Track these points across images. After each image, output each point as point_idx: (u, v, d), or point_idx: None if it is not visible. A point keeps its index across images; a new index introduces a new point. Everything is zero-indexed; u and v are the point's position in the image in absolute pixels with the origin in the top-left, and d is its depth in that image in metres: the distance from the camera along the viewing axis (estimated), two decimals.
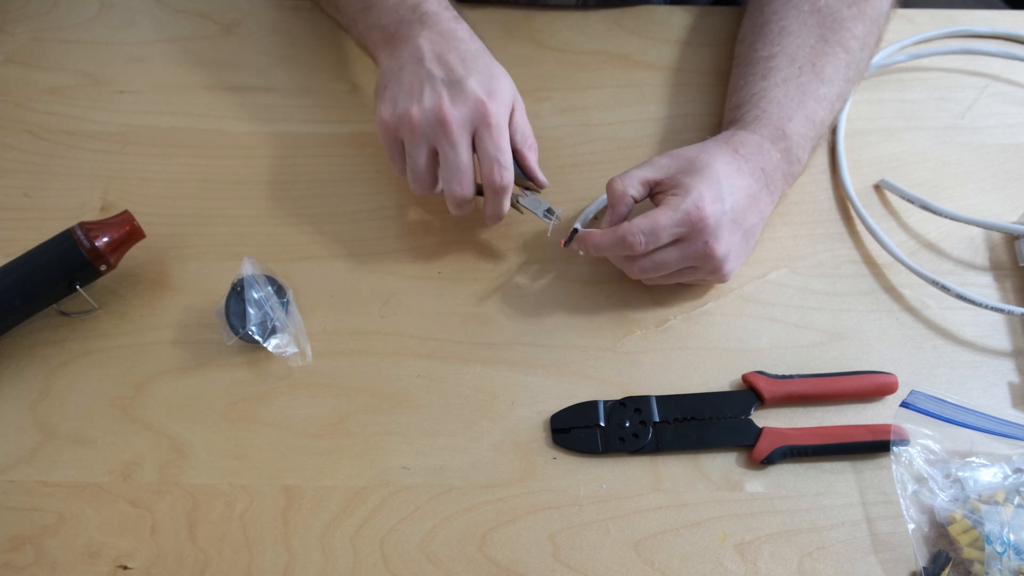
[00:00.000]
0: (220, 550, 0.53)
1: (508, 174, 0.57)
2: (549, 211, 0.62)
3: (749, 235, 0.59)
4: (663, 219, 0.55)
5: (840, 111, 0.67)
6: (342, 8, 0.66)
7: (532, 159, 0.60)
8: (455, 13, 0.61)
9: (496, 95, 0.57)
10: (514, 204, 0.61)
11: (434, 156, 0.58)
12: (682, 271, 0.59)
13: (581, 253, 0.60)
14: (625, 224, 0.56)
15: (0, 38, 0.75)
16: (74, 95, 0.72)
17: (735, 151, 0.59)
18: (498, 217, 0.60)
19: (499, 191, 0.58)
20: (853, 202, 0.66)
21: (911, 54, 0.74)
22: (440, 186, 0.60)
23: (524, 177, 0.60)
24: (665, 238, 0.56)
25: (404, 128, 0.57)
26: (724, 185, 0.56)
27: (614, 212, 0.59)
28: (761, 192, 0.59)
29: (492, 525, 0.54)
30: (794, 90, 0.62)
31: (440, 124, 0.56)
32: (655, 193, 0.59)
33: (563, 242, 0.60)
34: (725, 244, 0.57)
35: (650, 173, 0.58)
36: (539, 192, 0.62)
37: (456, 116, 0.56)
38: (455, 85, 0.56)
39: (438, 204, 0.67)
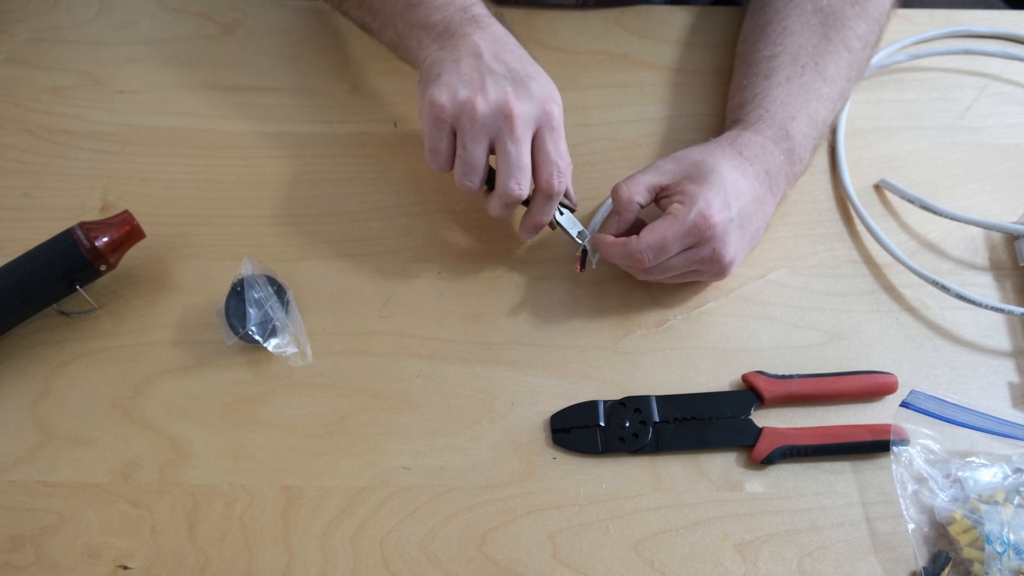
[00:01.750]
0: (220, 550, 0.53)
1: (565, 180, 0.57)
2: (581, 234, 0.61)
3: (754, 237, 0.60)
4: (671, 233, 0.55)
5: (841, 109, 0.67)
6: (377, 8, 0.63)
7: (569, 176, 0.58)
8: (504, 22, 0.61)
9: (558, 100, 0.56)
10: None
11: (490, 151, 0.56)
12: (687, 273, 0.59)
13: (594, 266, 0.61)
14: (633, 240, 0.56)
15: (0, 38, 0.75)
16: (74, 95, 0.72)
17: (739, 153, 0.59)
18: (538, 227, 0.60)
19: (552, 197, 0.57)
20: (853, 202, 0.66)
21: (911, 54, 0.74)
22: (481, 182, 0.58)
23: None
24: (674, 251, 0.56)
25: (464, 116, 0.54)
26: (730, 190, 0.56)
27: (620, 219, 0.59)
28: (765, 195, 0.59)
29: (492, 525, 0.54)
30: (797, 89, 0.62)
31: (506, 118, 0.54)
32: (661, 198, 0.59)
33: (578, 266, 0.61)
34: (732, 250, 0.57)
35: (656, 178, 0.58)
36: (572, 211, 0.62)
37: (523, 112, 0.54)
38: (519, 83, 0.55)
39: (438, 204, 0.67)
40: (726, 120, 0.66)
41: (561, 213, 0.61)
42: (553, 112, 0.55)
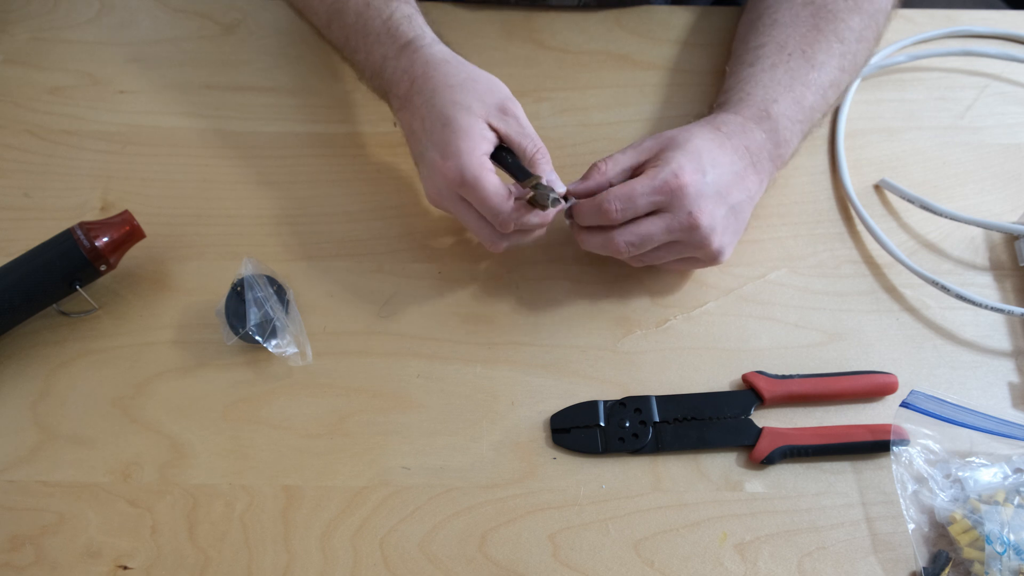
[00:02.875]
0: (220, 550, 0.53)
1: (506, 217, 0.54)
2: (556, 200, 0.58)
3: (737, 212, 0.58)
4: (639, 186, 0.55)
5: (836, 100, 0.66)
6: (334, 36, 0.65)
7: (543, 169, 0.56)
8: (417, 45, 0.59)
9: (450, 149, 0.54)
10: (534, 202, 0.56)
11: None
12: (671, 248, 0.58)
13: (568, 222, 0.59)
14: (602, 192, 0.56)
15: (0, 38, 0.75)
16: (74, 95, 0.72)
17: (717, 129, 0.59)
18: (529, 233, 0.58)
19: (507, 231, 0.56)
20: (853, 202, 0.66)
21: (911, 54, 0.74)
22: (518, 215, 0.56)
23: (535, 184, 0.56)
24: (643, 205, 0.55)
25: (441, 210, 0.59)
26: (705, 158, 0.56)
27: (585, 182, 0.58)
28: (747, 170, 0.58)
29: (492, 525, 0.54)
30: (782, 74, 0.62)
31: (441, 205, 0.58)
32: (637, 173, 0.58)
33: (566, 215, 0.59)
34: (708, 216, 0.56)
35: (634, 157, 0.58)
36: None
37: (438, 191, 0.57)
38: (423, 161, 0.57)
39: None
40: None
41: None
42: (448, 175, 0.54)
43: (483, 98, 0.56)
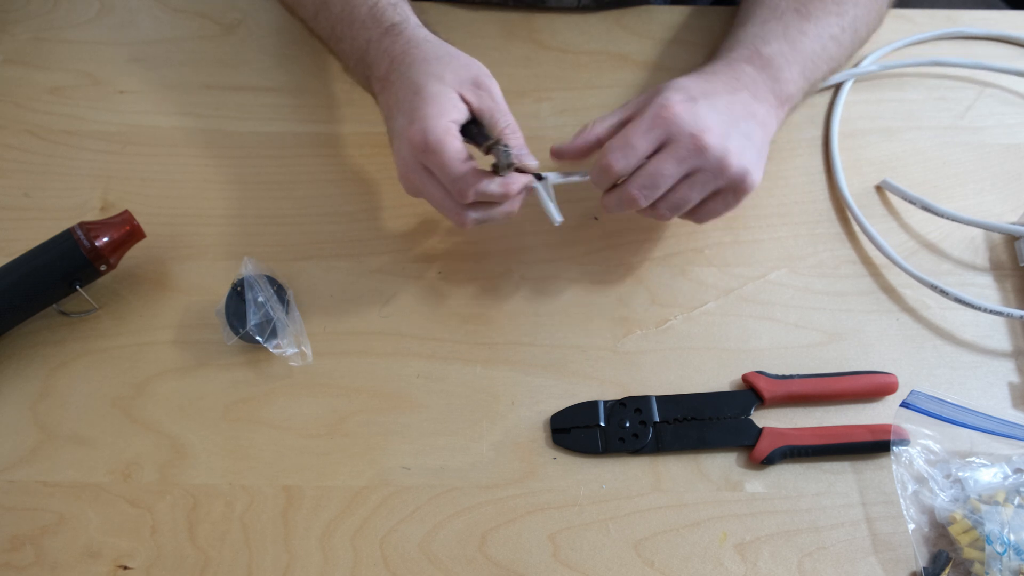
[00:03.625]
0: (220, 550, 0.53)
1: (466, 184, 0.52)
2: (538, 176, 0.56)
3: (748, 135, 0.55)
4: (632, 128, 0.53)
5: (840, 57, 0.64)
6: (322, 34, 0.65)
7: (512, 141, 0.54)
8: (400, 28, 0.58)
9: (416, 113, 0.53)
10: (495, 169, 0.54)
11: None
12: (692, 184, 0.55)
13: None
14: (600, 153, 0.54)
15: (0, 38, 0.75)
16: (74, 95, 0.72)
17: (700, 72, 0.58)
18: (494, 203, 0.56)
19: (471, 200, 0.54)
20: (849, 204, 0.66)
21: (914, 60, 0.74)
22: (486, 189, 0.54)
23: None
24: (642, 146, 0.53)
25: (411, 195, 0.57)
26: (694, 88, 0.55)
27: (574, 141, 0.57)
28: (747, 98, 0.56)
29: (492, 525, 0.54)
30: (774, 25, 0.61)
31: (410, 185, 0.56)
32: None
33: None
34: (715, 136, 0.53)
35: (622, 114, 0.57)
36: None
37: (405, 162, 0.54)
38: (394, 134, 0.55)
39: None
40: None
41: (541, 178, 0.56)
42: (413, 139, 0.52)
43: (457, 71, 0.55)
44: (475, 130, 0.55)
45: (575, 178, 0.57)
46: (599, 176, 0.55)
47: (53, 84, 0.72)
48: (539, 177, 0.56)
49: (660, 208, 0.56)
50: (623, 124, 0.56)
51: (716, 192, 0.56)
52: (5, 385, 0.59)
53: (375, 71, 0.59)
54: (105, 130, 0.70)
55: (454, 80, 0.54)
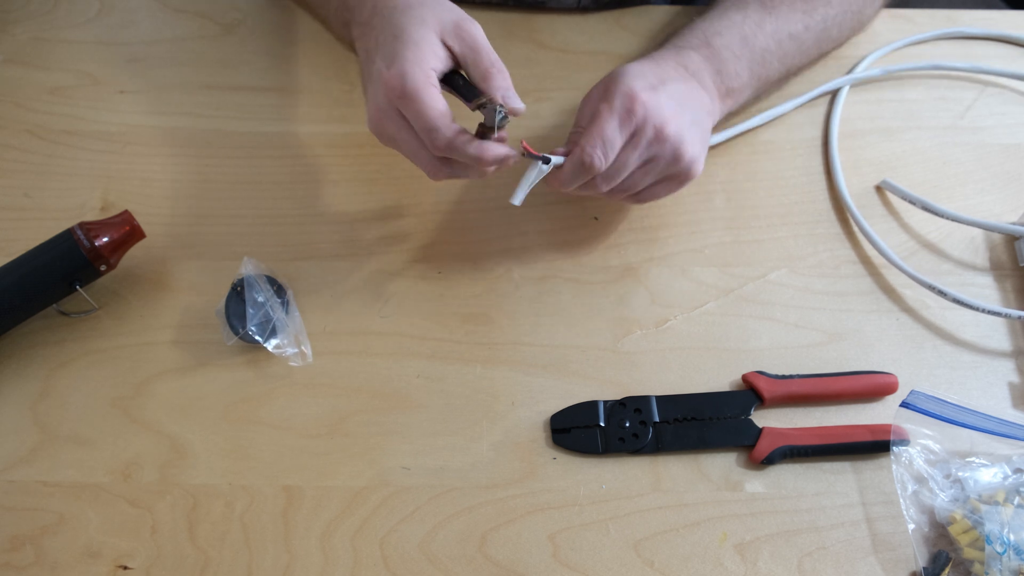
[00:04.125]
0: (220, 550, 0.53)
1: (441, 137, 0.51)
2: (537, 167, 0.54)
3: (699, 124, 0.57)
4: (606, 124, 0.53)
5: (799, 58, 0.65)
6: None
7: (498, 84, 0.52)
8: None
9: (396, 57, 0.51)
10: (483, 129, 0.53)
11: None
12: (645, 170, 0.56)
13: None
14: (577, 149, 0.53)
15: (0, 38, 0.75)
16: (74, 95, 0.72)
17: (650, 57, 0.58)
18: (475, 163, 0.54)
19: (444, 154, 0.53)
20: (848, 205, 0.66)
21: (916, 64, 0.74)
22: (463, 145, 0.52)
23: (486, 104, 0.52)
24: (619, 141, 0.53)
25: (380, 140, 0.56)
26: (650, 75, 0.55)
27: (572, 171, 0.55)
28: (695, 87, 0.58)
29: (492, 525, 0.54)
30: (733, 15, 0.62)
31: (381, 130, 0.54)
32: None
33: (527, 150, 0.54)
34: (675, 124, 0.54)
35: (585, 116, 0.56)
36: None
37: (378, 107, 0.52)
38: (370, 78, 0.53)
39: (437, 204, 0.67)
40: None
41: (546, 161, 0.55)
42: (390, 83, 0.50)
43: (440, 14, 0.54)
44: (460, 81, 0.53)
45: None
46: (578, 171, 0.54)
47: (53, 84, 0.72)
48: (545, 160, 0.54)
49: (611, 194, 0.57)
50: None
51: (664, 178, 0.57)
52: (5, 385, 0.59)
53: (356, 15, 0.58)
54: (105, 130, 0.70)
55: (435, 23, 0.53)
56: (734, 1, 0.64)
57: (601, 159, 0.53)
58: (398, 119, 0.53)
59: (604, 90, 0.56)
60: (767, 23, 0.62)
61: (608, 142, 0.53)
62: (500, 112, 0.50)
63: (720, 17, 0.63)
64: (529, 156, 0.54)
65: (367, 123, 0.55)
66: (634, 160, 0.55)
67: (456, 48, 0.53)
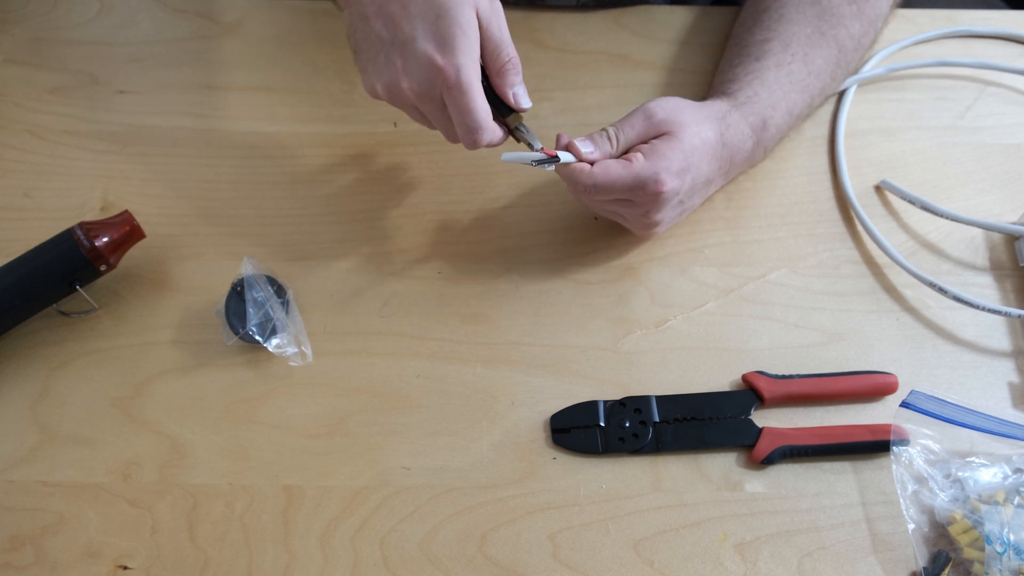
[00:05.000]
0: (220, 550, 0.53)
1: (483, 135, 0.52)
2: (540, 161, 0.56)
3: (686, 207, 0.61)
4: (620, 178, 0.55)
5: (818, 106, 0.68)
6: None
7: (511, 81, 0.53)
8: None
9: (449, 44, 0.50)
10: (513, 132, 0.56)
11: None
12: (615, 210, 0.60)
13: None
14: (583, 167, 0.55)
15: (0, 38, 0.75)
16: (74, 95, 0.72)
17: (721, 135, 0.59)
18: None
19: (475, 148, 0.54)
20: (852, 203, 0.66)
21: (915, 62, 0.74)
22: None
23: (505, 108, 0.54)
24: (614, 193, 0.56)
25: (390, 102, 0.54)
26: (692, 165, 0.57)
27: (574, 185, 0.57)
28: (717, 179, 0.62)
29: (492, 525, 0.54)
30: (784, 77, 0.63)
31: (405, 99, 0.53)
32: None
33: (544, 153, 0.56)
34: (663, 215, 0.59)
35: (632, 132, 0.57)
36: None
37: (417, 89, 0.52)
38: (405, 49, 0.51)
39: (437, 204, 0.67)
40: (712, 88, 0.67)
41: (525, 126, 0.56)
42: (444, 72, 0.50)
43: None
44: (486, 84, 0.53)
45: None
46: (567, 177, 0.56)
47: (53, 84, 0.72)
48: (553, 159, 0.55)
49: (575, 192, 0.58)
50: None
51: (629, 207, 0.59)
52: (5, 385, 0.59)
53: None
54: (105, 130, 0.70)
55: (474, 4, 0.51)
56: (781, 52, 0.64)
57: (589, 191, 0.56)
58: (436, 103, 0.52)
59: (660, 129, 0.57)
60: (807, 82, 0.64)
61: (607, 188, 0.55)
62: (528, 134, 0.55)
63: (774, 77, 0.63)
64: (544, 158, 0.55)
65: (375, 85, 0.53)
66: (610, 203, 0.59)
67: (483, 23, 0.52)
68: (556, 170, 0.57)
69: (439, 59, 0.50)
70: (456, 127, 0.53)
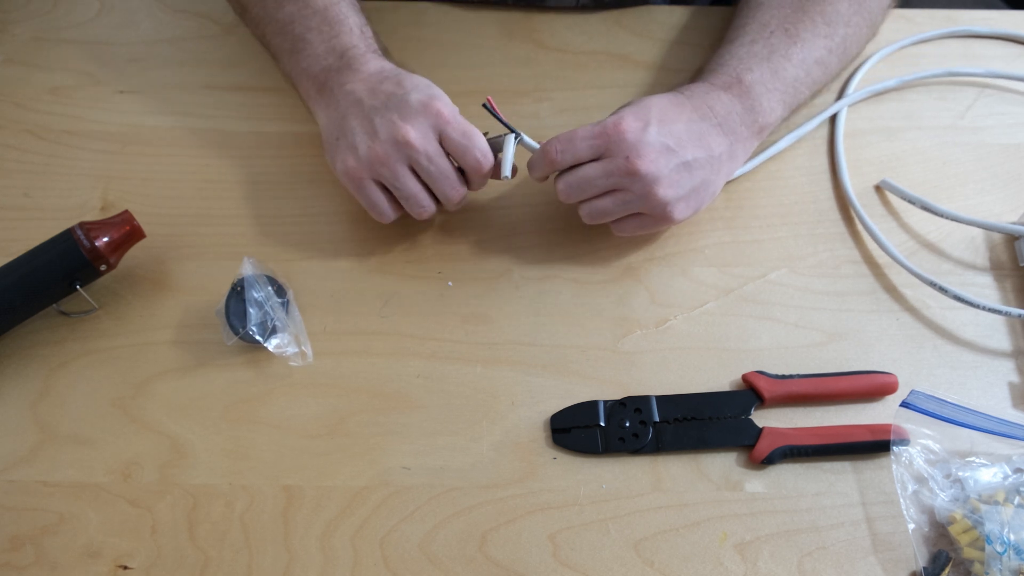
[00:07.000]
0: (220, 550, 0.53)
1: (487, 156, 0.57)
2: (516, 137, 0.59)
3: (692, 169, 0.57)
4: (581, 131, 0.57)
5: (825, 79, 0.66)
6: (269, 43, 0.66)
7: (483, 144, 0.58)
8: (378, 51, 0.63)
9: (438, 95, 0.57)
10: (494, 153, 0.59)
11: (418, 176, 0.58)
12: (616, 198, 0.58)
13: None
14: (547, 141, 0.58)
15: (0, 38, 0.75)
16: (74, 95, 0.72)
17: (677, 92, 0.59)
18: (483, 184, 0.60)
19: (482, 172, 0.58)
20: (853, 203, 0.66)
21: (917, 76, 0.74)
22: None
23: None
24: (583, 149, 0.57)
25: (376, 166, 0.57)
26: (653, 112, 0.57)
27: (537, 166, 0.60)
28: (710, 130, 0.58)
29: (492, 525, 0.54)
30: (760, 48, 0.63)
31: (406, 145, 0.56)
32: None
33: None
34: (650, 163, 0.55)
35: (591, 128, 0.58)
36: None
37: (416, 130, 0.56)
38: (400, 105, 0.56)
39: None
40: None
41: (516, 137, 0.59)
42: (439, 109, 0.56)
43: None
44: None
45: (535, 145, 0.60)
46: (538, 159, 0.59)
47: (53, 84, 0.72)
48: (514, 132, 0.59)
49: (582, 210, 0.60)
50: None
51: (637, 214, 0.59)
52: (5, 385, 0.59)
53: (312, 63, 0.62)
54: (105, 130, 0.70)
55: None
56: (758, 30, 0.64)
57: (558, 154, 0.57)
58: (436, 148, 0.57)
59: (619, 109, 0.59)
60: (794, 52, 0.63)
61: (571, 143, 0.57)
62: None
63: (748, 47, 0.63)
64: (490, 112, 0.58)
65: (373, 147, 0.57)
66: (599, 181, 0.57)
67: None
68: (528, 165, 0.60)
69: (433, 102, 0.56)
70: (464, 160, 0.57)
